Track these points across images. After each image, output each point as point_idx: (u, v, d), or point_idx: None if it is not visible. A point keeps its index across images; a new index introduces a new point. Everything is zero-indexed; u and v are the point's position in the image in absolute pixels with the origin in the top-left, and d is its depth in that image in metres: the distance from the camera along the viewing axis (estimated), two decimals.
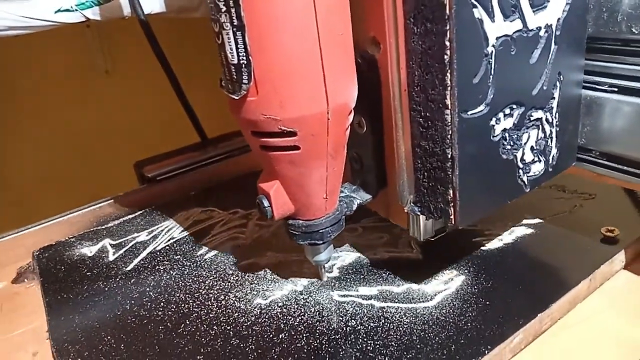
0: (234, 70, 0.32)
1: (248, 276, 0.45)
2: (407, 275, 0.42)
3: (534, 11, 0.32)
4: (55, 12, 0.50)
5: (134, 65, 0.91)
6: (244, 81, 0.32)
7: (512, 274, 0.40)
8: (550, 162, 0.38)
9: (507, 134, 0.34)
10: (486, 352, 0.33)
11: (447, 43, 0.30)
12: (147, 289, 0.44)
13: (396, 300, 0.39)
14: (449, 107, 0.31)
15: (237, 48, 0.31)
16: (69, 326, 0.41)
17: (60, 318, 0.42)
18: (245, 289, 0.43)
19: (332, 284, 0.42)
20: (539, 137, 0.36)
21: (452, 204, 0.34)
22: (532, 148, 0.36)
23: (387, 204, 0.41)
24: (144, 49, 0.64)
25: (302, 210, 0.38)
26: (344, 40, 0.33)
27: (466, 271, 0.41)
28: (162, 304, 0.42)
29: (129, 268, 0.48)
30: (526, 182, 0.37)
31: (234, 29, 0.31)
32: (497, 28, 0.31)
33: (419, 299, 0.39)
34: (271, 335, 0.37)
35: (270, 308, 0.40)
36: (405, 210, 0.37)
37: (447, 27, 0.29)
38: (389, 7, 0.32)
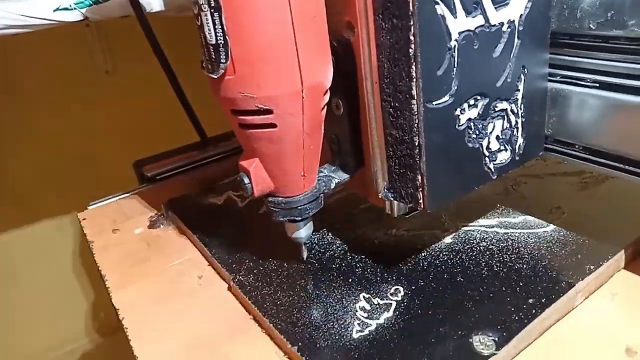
0: (212, 50, 0.34)
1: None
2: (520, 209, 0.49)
3: (495, 8, 0.34)
4: (54, 10, 0.51)
5: (134, 65, 0.90)
6: (222, 60, 0.33)
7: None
8: (517, 151, 0.40)
9: (472, 124, 0.36)
10: (609, 257, 0.41)
11: (412, 38, 0.32)
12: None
13: (517, 227, 0.47)
14: (415, 98, 0.33)
15: (214, 29, 0.33)
16: (227, 251, 0.48)
17: (217, 247, 0.49)
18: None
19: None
20: (505, 127, 0.38)
21: (420, 189, 0.36)
22: (497, 137, 0.38)
23: (364, 184, 0.42)
24: (144, 49, 0.64)
25: (281, 188, 0.39)
26: (317, 23, 0.34)
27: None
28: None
29: (261, 212, 0.55)
30: (493, 170, 0.39)
31: (212, 10, 0.32)
32: (459, 23, 0.33)
33: (536, 226, 0.47)
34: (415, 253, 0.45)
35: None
36: (380, 196, 0.39)
37: (411, 23, 0.31)
38: (360, 3, 0.34)
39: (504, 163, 0.40)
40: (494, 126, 0.38)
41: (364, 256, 0.46)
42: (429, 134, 0.34)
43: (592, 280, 0.40)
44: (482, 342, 0.35)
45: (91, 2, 0.54)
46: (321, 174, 0.41)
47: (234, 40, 0.33)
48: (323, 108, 0.37)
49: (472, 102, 0.36)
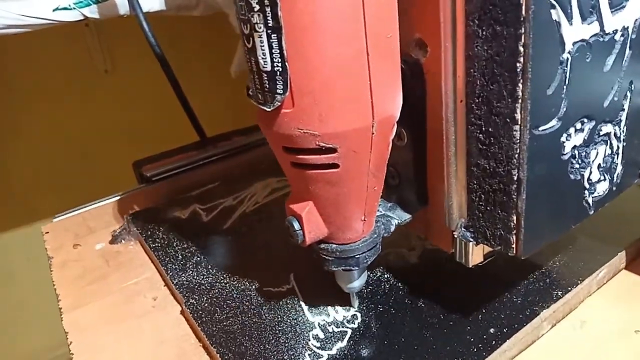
0: (266, 78, 0.27)
1: None
2: None
3: (612, 12, 0.28)
4: (54, 10, 0.50)
5: (133, 65, 0.90)
6: (279, 91, 0.27)
7: None
8: (615, 180, 0.34)
9: (576, 152, 0.30)
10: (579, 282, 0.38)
11: (521, 49, 0.25)
12: (249, 242, 0.48)
13: None
14: (519, 122, 0.27)
15: (271, 53, 0.27)
16: (184, 273, 0.45)
17: (174, 267, 0.46)
18: None
19: None
20: (607, 154, 0.32)
21: (514, 232, 0.30)
22: (599, 166, 0.32)
23: (426, 223, 0.37)
24: (143, 49, 0.62)
25: (336, 234, 0.33)
26: (392, 43, 0.29)
27: None
28: (265, 253, 0.46)
29: (225, 227, 0.51)
30: (591, 204, 0.33)
31: (269, 31, 0.26)
32: (574, 31, 0.27)
33: None
34: None
35: None
36: (455, 236, 0.33)
37: (522, 31, 0.25)
38: (446, 6, 0.28)
39: (602, 195, 0.33)
40: (597, 153, 0.32)
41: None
42: (531, 166, 0.28)
43: (559, 307, 0.37)
44: None
45: (90, 2, 0.53)
46: (378, 214, 0.35)
47: (294, 66, 0.26)
48: (390, 143, 0.31)
49: (578, 126, 0.30)
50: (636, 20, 0.30)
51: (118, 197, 0.63)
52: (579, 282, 0.38)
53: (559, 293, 0.38)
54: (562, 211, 0.31)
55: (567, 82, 0.28)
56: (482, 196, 0.31)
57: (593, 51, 0.28)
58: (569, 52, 0.27)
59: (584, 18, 0.27)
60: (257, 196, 0.56)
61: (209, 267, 0.45)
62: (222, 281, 0.43)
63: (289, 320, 0.38)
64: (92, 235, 0.56)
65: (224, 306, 0.40)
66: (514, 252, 0.30)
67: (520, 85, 0.26)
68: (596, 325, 0.37)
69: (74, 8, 0.51)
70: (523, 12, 0.25)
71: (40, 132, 0.90)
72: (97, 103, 0.92)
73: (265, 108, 0.28)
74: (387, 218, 0.36)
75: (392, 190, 0.37)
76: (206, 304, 0.41)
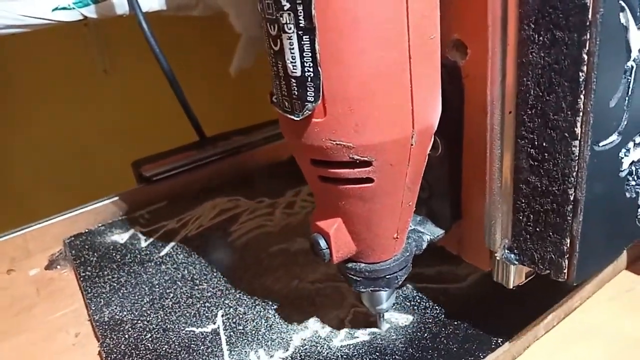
0: (295, 84, 0.25)
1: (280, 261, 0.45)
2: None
3: None
4: (53, 10, 0.49)
5: (132, 65, 0.89)
6: (309, 99, 0.25)
7: None
8: None
9: (634, 168, 0.27)
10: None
11: (585, 57, 0.23)
12: (183, 273, 0.44)
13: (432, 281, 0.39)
14: (579, 137, 0.24)
15: (301, 57, 0.24)
16: (108, 308, 0.42)
17: (98, 300, 0.43)
18: (279, 272, 0.43)
19: None
20: None
21: (567, 256, 0.27)
22: None
23: (460, 239, 0.35)
24: (142, 49, 0.61)
25: (366, 252, 0.31)
26: (434, 45, 0.26)
27: None
28: (197, 285, 0.43)
29: (162, 253, 0.48)
30: None
31: (300, 32, 0.24)
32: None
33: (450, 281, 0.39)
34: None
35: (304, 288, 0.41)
36: (498, 258, 0.30)
37: (587, 37, 0.22)
38: (496, 7, 0.25)
39: None
40: None
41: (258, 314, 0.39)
42: (590, 185, 0.25)
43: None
44: None
45: (90, 2, 0.52)
46: (409, 229, 0.32)
47: (328, 71, 0.24)
48: (427, 155, 0.28)
49: (638, 140, 0.27)
50: None
51: (116, 198, 0.61)
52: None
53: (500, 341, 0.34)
54: (617, 232, 0.29)
55: (630, 93, 0.25)
56: (531, 216, 0.28)
57: None
58: (634, 60, 0.24)
59: None
60: (203, 218, 0.54)
61: (135, 301, 0.42)
62: (145, 319, 0.40)
63: None
64: (29, 260, 0.53)
65: (141, 348, 0.37)
66: (565, 277, 0.28)
67: (582, 96, 0.23)
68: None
69: (73, 8, 0.50)
70: (590, 15, 0.22)
71: (39, 132, 0.89)
72: (96, 103, 0.91)
73: (293, 117, 0.26)
74: (419, 234, 0.33)
75: (422, 203, 0.34)
76: (122, 346, 0.37)
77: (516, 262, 0.30)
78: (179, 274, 0.44)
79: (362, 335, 0.36)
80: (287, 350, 0.35)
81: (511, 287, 0.32)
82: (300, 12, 0.23)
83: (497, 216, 0.29)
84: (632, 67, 0.25)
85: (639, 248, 0.39)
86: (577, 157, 0.25)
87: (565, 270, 0.27)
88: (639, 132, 0.27)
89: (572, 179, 0.25)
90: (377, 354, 0.34)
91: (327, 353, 0.35)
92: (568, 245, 0.27)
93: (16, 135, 0.87)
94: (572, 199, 0.26)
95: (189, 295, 0.42)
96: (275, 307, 0.39)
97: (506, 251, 0.30)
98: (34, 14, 0.48)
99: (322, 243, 0.30)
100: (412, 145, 0.27)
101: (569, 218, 0.26)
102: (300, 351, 0.35)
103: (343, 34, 0.23)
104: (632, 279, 0.40)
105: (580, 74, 0.23)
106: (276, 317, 0.38)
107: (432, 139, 0.29)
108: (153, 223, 0.53)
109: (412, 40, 0.24)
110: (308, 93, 0.25)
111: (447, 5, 0.27)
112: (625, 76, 0.24)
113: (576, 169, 0.25)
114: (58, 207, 0.95)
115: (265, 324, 0.38)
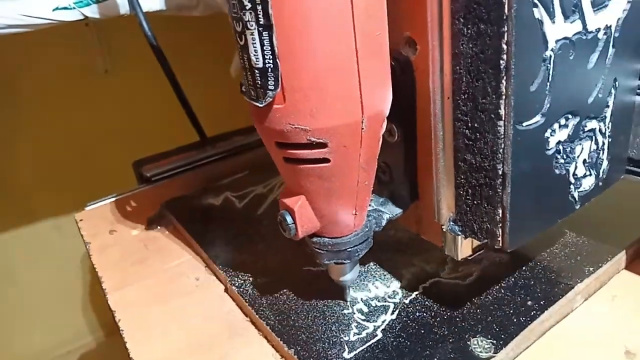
0: (258, 75, 0.28)
1: None
2: None
3: (594, 10, 0.29)
4: (54, 10, 0.50)
5: (133, 65, 0.90)
6: (270, 87, 0.28)
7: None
8: (601, 175, 0.35)
9: (561, 147, 0.31)
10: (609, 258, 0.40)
11: (504, 46, 0.26)
12: None
13: None
14: (503, 118, 0.28)
15: (262, 50, 0.27)
16: (224, 254, 0.47)
17: (214, 249, 0.48)
18: None
19: None
20: (592, 149, 0.33)
21: (500, 225, 0.30)
22: (584, 161, 0.33)
23: (418, 219, 0.38)
24: (143, 49, 0.63)
25: (328, 227, 0.34)
26: (381, 41, 0.29)
27: None
28: None
29: (259, 212, 0.54)
30: (577, 198, 0.34)
31: (260, 29, 0.27)
32: (557, 29, 0.28)
33: None
34: None
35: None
36: (444, 230, 0.34)
37: (505, 29, 0.26)
38: (433, 5, 0.29)
39: (588, 190, 0.34)
40: (582, 149, 0.32)
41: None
42: (516, 160, 0.29)
43: (591, 282, 0.39)
44: (480, 344, 0.34)
45: (90, 2, 0.53)
46: (370, 209, 0.36)
47: (285, 63, 0.27)
48: (380, 138, 0.32)
49: (563, 121, 0.30)
50: (619, 19, 0.31)
51: (116, 198, 0.63)
52: (609, 258, 0.40)
53: (591, 269, 0.39)
54: (548, 205, 0.32)
55: (550, 79, 0.28)
56: (469, 190, 0.31)
57: (576, 49, 0.29)
58: (552, 50, 0.28)
59: (566, 17, 0.28)
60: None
61: (248, 249, 0.47)
62: (262, 262, 0.45)
63: (332, 298, 0.40)
64: (127, 223, 0.58)
65: (268, 284, 0.42)
66: (500, 245, 0.31)
67: (504, 81, 0.27)
68: (626, 299, 0.38)
69: (74, 8, 0.51)
70: (505, 10, 0.25)
71: (39, 132, 0.90)
72: (97, 103, 0.92)
73: (257, 104, 0.29)
74: (379, 213, 0.37)
75: (383, 186, 0.38)
76: (250, 282, 0.43)
77: (460, 233, 0.33)
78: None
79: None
80: (401, 282, 0.41)
81: (459, 259, 0.35)
82: (260, 11, 0.27)
83: (442, 192, 0.33)
84: (551, 56, 0.28)
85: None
86: (502, 136, 0.28)
87: (500, 238, 0.31)
88: (564, 114, 0.30)
89: (500, 155, 0.28)
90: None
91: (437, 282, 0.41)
92: (500, 215, 0.30)
93: (17, 135, 0.88)
94: (500, 173, 0.29)
95: (295, 243, 0.44)
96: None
97: (451, 223, 0.33)
98: (34, 14, 0.49)
99: (289, 219, 0.33)
100: (363, 129, 0.30)
101: (499, 190, 0.29)
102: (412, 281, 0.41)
103: (296, 31, 0.27)
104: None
105: (501, 61, 0.26)
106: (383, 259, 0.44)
107: (385, 125, 0.32)
108: (240, 189, 0.59)
109: (358, 37, 0.27)
110: (269, 82, 0.28)
111: (399, 5, 0.30)
112: (545, 64, 0.28)
113: (503, 146, 0.28)
114: (58, 207, 0.98)
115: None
